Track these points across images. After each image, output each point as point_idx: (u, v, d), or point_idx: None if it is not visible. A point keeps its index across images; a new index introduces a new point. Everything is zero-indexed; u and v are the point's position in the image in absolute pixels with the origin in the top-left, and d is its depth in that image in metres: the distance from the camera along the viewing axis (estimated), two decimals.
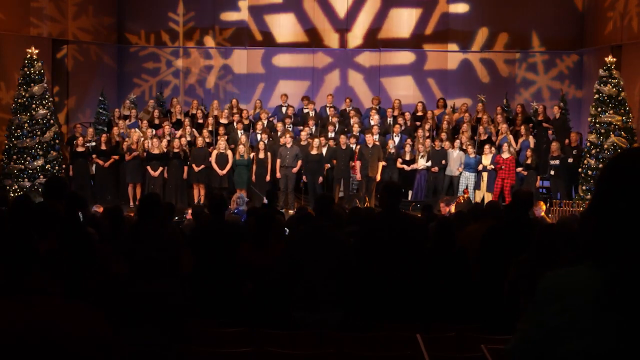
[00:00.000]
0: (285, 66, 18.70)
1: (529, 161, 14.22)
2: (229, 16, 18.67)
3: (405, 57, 18.57)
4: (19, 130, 14.66)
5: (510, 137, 14.94)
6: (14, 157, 14.64)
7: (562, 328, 1.65)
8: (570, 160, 14.42)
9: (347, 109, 16.44)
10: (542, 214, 10.51)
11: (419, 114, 16.14)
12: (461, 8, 18.42)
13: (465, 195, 13.62)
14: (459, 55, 18.51)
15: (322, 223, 5.27)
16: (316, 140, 14.50)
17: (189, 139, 14.92)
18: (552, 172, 14.44)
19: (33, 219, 4.21)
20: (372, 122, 15.44)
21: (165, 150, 14.58)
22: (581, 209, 12.76)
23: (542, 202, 11.12)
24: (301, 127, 15.57)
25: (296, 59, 18.70)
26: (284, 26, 18.67)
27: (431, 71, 18.56)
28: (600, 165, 13.94)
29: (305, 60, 18.61)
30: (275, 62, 18.74)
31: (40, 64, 14.88)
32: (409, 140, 14.87)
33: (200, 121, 15.85)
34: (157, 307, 4.05)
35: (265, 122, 15.60)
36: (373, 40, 18.48)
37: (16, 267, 2.16)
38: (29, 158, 14.61)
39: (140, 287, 4.11)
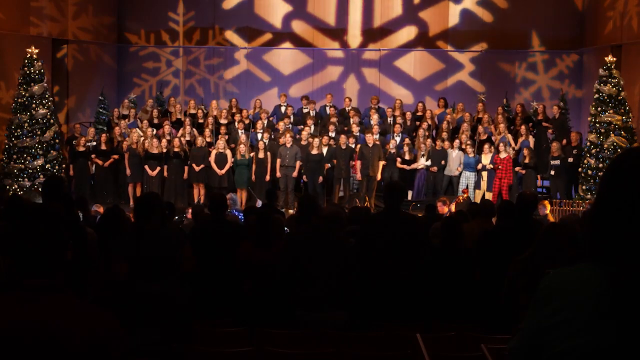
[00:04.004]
0: (286, 66, 18.68)
1: (527, 160, 14.20)
2: (230, 15, 18.66)
3: (406, 57, 18.56)
4: (19, 130, 14.64)
5: (509, 136, 14.94)
6: (14, 156, 14.62)
7: (561, 326, 1.66)
8: (570, 159, 14.42)
9: (347, 108, 16.45)
10: (547, 211, 10.55)
11: (419, 113, 16.14)
12: (462, 8, 18.40)
13: (465, 195, 13.60)
14: (459, 55, 18.50)
15: (322, 223, 5.26)
16: (316, 139, 14.51)
17: (188, 138, 14.96)
18: (552, 172, 14.43)
19: (36, 219, 4.20)
20: (372, 122, 15.46)
21: (165, 149, 14.59)
22: (581, 208, 12.76)
23: (547, 202, 11.16)
24: (301, 127, 15.58)
25: (297, 59, 18.68)
26: (286, 25, 18.65)
27: (431, 71, 18.55)
28: (600, 165, 13.95)
29: (307, 60, 18.59)
30: (276, 61, 18.71)
31: (40, 63, 14.87)
32: (407, 140, 14.87)
33: (201, 121, 15.85)
34: (159, 307, 4.05)
35: (265, 121, 15.59)
36: (374, 41, 18.46)
37: (19, 267, 2.16)
38: (29, 158, 14.60)
39: (142, 287, 4.11)
